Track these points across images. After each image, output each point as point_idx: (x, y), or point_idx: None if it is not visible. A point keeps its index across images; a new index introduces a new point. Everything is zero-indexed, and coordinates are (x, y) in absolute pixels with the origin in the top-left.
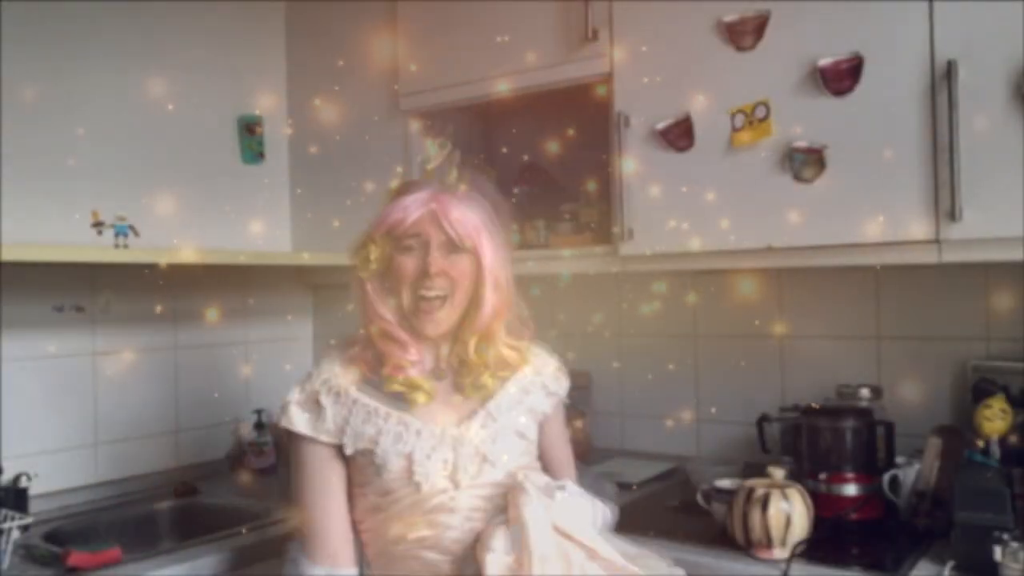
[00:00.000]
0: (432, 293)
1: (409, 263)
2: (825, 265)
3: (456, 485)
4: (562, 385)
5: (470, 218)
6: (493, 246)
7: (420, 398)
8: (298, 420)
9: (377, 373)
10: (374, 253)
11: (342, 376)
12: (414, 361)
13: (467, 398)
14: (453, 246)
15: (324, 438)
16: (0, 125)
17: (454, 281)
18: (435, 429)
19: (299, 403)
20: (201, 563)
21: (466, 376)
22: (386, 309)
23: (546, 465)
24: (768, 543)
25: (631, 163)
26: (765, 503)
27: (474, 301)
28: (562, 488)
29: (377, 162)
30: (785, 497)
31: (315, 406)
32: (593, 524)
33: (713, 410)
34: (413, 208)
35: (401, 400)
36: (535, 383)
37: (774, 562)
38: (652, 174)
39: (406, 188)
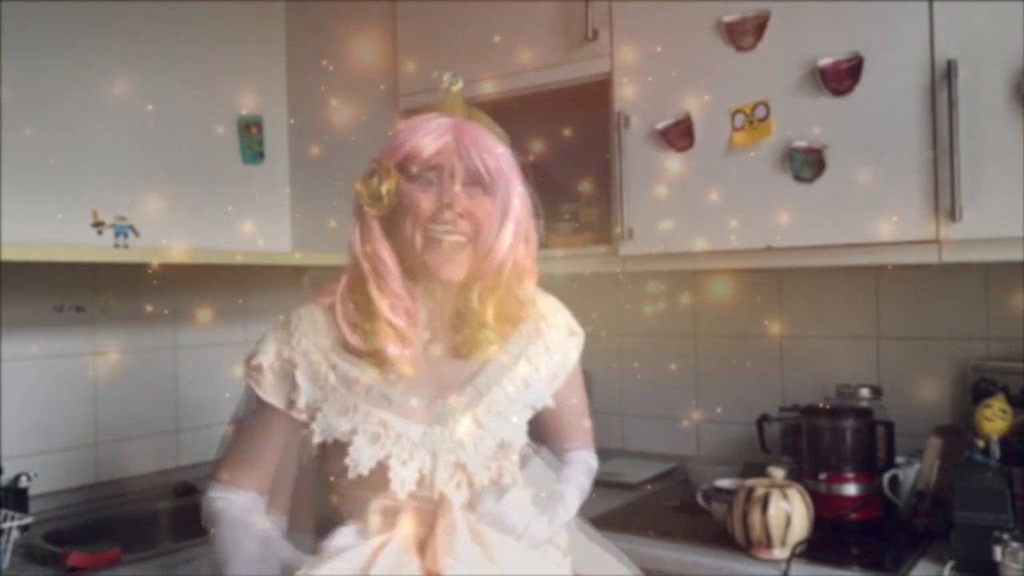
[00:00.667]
0: (452, 237)
1: (426, 199)
2: (825, 265)
3: (428, 491)
4: (573, 355)
5: (500, 151)
6: (522, 189)
7: (405, 369)
8: (268, 388)
9: (359, 331)
10: (386, 185)
11: (323, 342)
12: (407, 309)
13: (457, 371)
14: (478, 182)
15: (294, 415)
16: (0, 125)
17: (479, 223)
18: (415, 433)
19: (273, 369)
20: (201, 563)
21: (463, 331)
22: (388, 252)
23: (551, 431)
24: (768, 543)
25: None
26: (765, 503)
27: (495, 250)
28: (498, 497)
29: None
30: (785, 497)
31: (290, 379)
32: (524, 533)
33: (714, 410)
34: (436, 133)
35: (383, 367)
36: (542, 368)
37: (774, 562)
38: (652, 174)
39: (422, 111)
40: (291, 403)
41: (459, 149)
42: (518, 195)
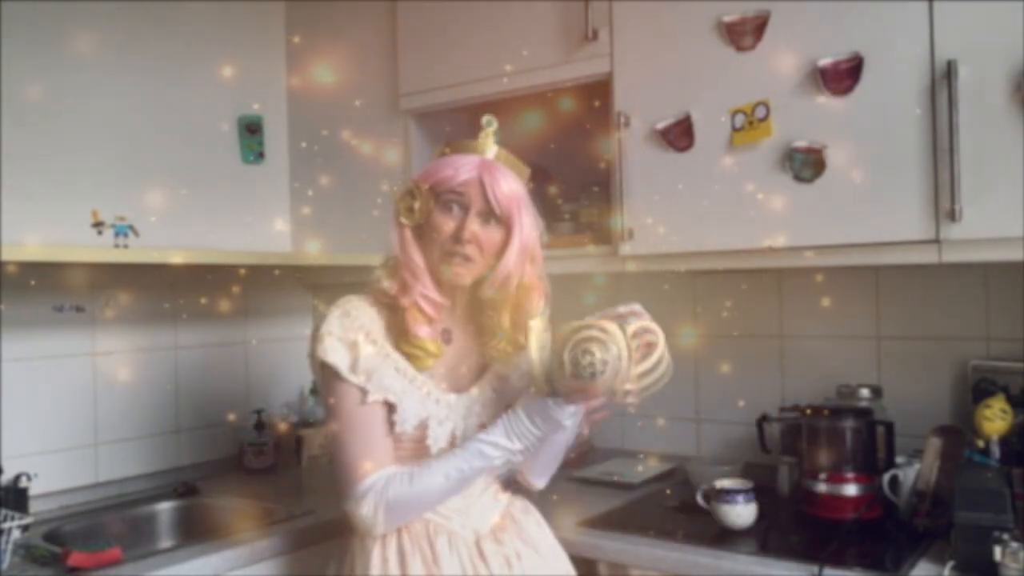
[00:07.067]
0: (461, 256)
1: (447, 223)
2: (825, 265)
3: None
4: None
5: (514, 190)
6: (530, 221)
7: (428, 362)
8: (333, 353)
9: (399, 325)
10: (418, 203)
11: (377, 324)
12: (439, 305)
13: (469, 349)
14: (490, 215)
15: (354, 379)
16: (0, 125)
17: (483, 250)
18: (450, 398)
19: (338, 338)
20: (201, 563)
21: (485, 341)
22: (418, 255)
23: None
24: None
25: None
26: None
27: (500, 268)
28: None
29: (377, 162)
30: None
31: (352, 346)
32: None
33: (714, 410)
34: (464, 169)
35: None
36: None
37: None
38: (652, 174)
39: (458, 148)
40: (352, 366)
41: (481, 186)
42: (526, 224)
